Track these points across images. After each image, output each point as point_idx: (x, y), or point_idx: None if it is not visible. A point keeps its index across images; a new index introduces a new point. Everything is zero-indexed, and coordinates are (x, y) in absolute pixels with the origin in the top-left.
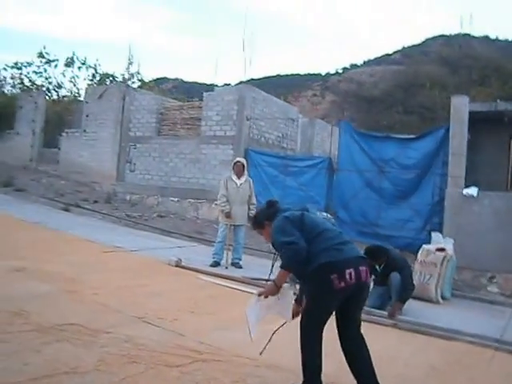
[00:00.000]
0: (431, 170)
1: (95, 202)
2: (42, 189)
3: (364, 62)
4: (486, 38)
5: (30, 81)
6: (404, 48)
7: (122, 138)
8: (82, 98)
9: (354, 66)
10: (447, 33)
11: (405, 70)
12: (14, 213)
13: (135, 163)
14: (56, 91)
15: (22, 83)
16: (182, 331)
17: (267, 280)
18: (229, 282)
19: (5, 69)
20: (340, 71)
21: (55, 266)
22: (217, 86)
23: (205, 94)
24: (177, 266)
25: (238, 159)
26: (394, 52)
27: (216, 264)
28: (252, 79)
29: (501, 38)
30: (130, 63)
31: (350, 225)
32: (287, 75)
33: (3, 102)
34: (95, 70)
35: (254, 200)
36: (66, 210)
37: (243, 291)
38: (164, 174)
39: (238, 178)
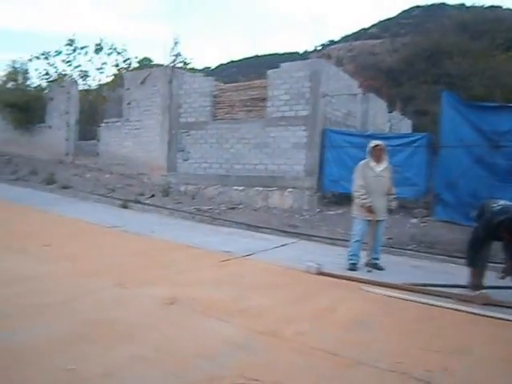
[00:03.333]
0: None
1: (152, 195)
2: (90, 184)
3: (342, 38)
4: (462, 5)
5: (56, 71)
6: (380, 21)
7: (171, 125)
8: (110, 86)
9: (332, 42)
10: (422, 3)
11: (420, 40)
12: (72, 214)
13: (189, 151)
14: (84, 80)
15: (48, 73)
16: None
17: (443, 286)
18: (401, 293)
19: (30, 60)
20: (318, 48)
21: (198, 289)
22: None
23: (269, 71)
24: (318, 273)
25: (376, 142)
26: (371, 26)
27: (354, 267)
28: (232, 61)
29: (477, 4)
30: (176, 43)
31: (456, 208)
32: (265, 55)
33: (31, 94)
34: (123, 56)
35: (394, 190)
36: (125, 206)
37: (443, 307)
38: (224, 161)
39: (377, 164)
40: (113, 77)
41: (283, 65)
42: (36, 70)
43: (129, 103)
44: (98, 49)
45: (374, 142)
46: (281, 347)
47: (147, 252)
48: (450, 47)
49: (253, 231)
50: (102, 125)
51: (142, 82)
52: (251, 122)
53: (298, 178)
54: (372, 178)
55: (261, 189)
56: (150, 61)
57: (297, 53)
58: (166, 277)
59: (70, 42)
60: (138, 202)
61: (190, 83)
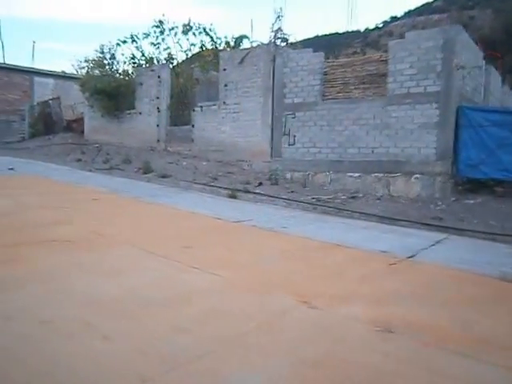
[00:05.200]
0: None
1: (260, 184)
2: (189, 173)
3: (405, 14)
4: None
5: (143, 54)
6: None
7: (274, 107)
8: (202, 68)
9: (393, 19)
10: None
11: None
12: (185, 206)
13: (295, 135)
14: (171, 62)
15: (134, 57)
16: None
17: None
18: None
19: (118, 44)
20: (380, 25)
21: (402, 309)
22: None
23: (391, 43)
24: None
25: None
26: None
27: None
28: (292, 43)
29: None
30: (278, 17)
31: None
32: (326, 35)
33: (119, 80)
34: (211, 36)
35: None
36: (233, 196)
37: None
38: (337, 145)
39: None
40: (201, 58)
41: (409, 34)
42: (122, 54)
43: (225, 85)
44: (187, 29)
45: None
46: None
47: (298, 253)
48: None
49: (388, 224)
50: (196, 109)
51: (241, 62)
52: (369, 100)
53: (428, 162)
54: None
55: (381, 175)
56: (247, 38)
57: (358, 31)
58: (350, 289)
59: (158, 24)
60: (248, 192)
61: (296, 60)
